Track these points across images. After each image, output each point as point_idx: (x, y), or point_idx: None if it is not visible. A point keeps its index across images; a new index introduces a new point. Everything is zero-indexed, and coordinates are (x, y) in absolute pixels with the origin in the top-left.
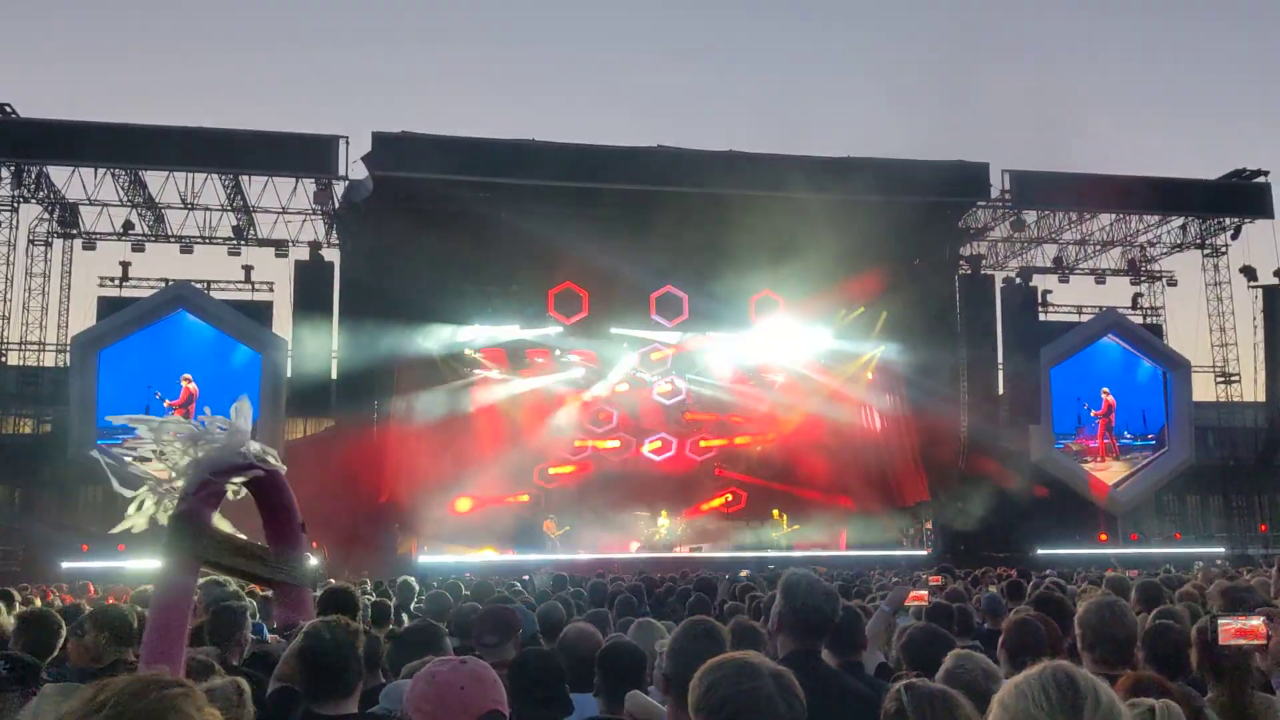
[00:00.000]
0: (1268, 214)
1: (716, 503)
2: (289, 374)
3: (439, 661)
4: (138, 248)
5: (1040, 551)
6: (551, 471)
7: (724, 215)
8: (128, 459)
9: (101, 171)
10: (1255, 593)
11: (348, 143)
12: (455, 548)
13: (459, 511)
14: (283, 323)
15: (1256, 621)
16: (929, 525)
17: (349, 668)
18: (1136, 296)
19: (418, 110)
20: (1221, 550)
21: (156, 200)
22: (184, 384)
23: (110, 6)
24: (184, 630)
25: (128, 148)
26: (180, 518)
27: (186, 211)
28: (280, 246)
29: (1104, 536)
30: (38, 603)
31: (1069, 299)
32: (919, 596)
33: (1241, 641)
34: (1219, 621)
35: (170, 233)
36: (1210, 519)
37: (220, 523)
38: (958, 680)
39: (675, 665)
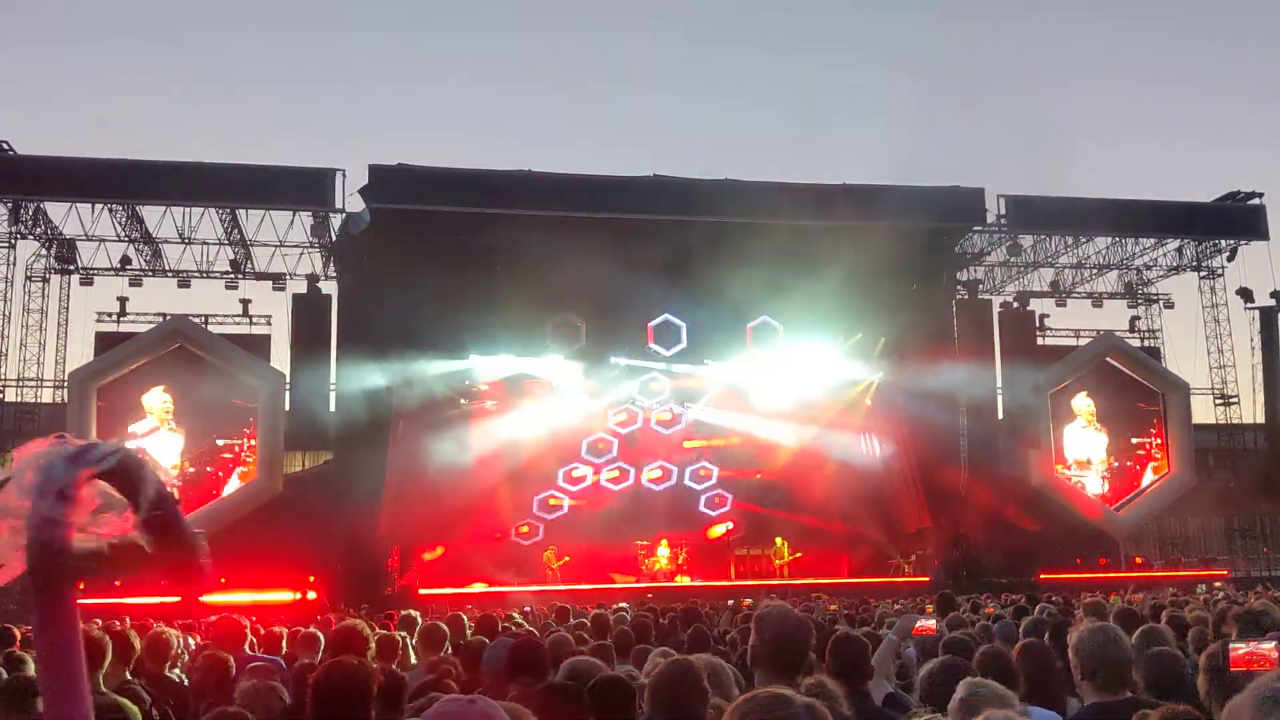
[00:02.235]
0: (1263, 235)
1: (717, 531)
2: (287, 407)
3: (448, 700)
4: (135, 282)
5: (1043, 576)
6: (551, 502)
7: (720, 243)
8: None
9: (99, 207)
10: (1270, 615)
11: (344, 175)
12: (454, 580)
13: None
14: (281, 356)
15: (1269, 646)
16: (930, 551)
17: (358, 708)
18: (1134, 319)
19: (414, 142)
20: (1225, 573)
21: (154, 235)
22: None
23: (106, 44)
24: (81, 675)
25: (125, 183)
26: (37, 547)
27: (184, 246)
28: (278, 280)
29: (1104, 560)
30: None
31: (1067, 323)
32: (927, 629)
33: (1254, 667)
34: (1229, 646)
35: (168, 267)
36: (1213, 542)
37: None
38: (974, 708)
39: (652, 702)
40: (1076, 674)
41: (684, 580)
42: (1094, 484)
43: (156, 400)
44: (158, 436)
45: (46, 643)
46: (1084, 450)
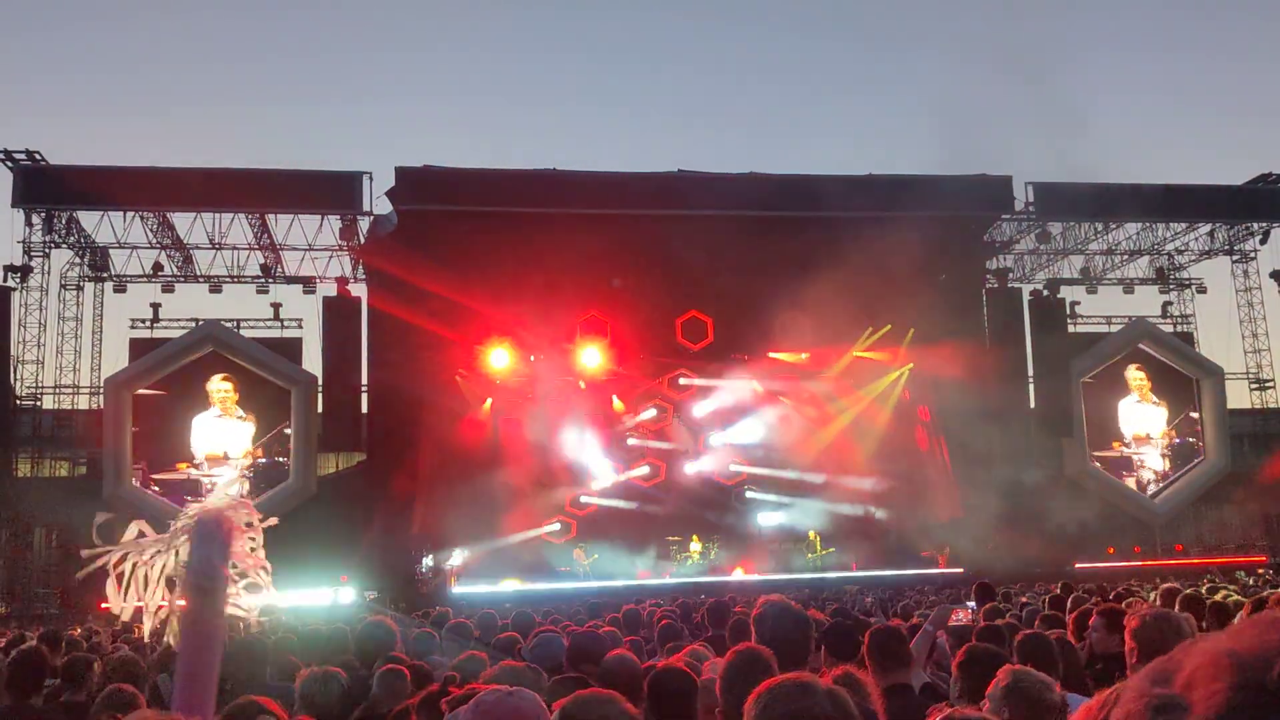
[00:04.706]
0: None
1: (766, 523)
2: (320, 409)
3: (487, 693)
4: (167, 289)
5: (1078, 566)
6: (582, 500)
7: (747, 237)
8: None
9: (130, 215)
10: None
11: (371, 179)
12: (488, 578)
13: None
14: (312, 359)
15: None
16: (965, 542)
17: None
18: (1166, 305)
19: (439, 144)
20: (1264, 559)
21: (185, 241)
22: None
23: (134, 53)
24: (213, 678)
25: (155, 190)
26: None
27: (214, 251)
28: (308, 283)
29: (1138, 549)
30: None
31: (1098, 309)
32: (963, 619)
33: None
34: None
35: (199, 273)
36: (1250, 528)
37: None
38: (1018, 694)
39: (727, 694)
40: (1131, 659)
41: (740, 573)
42: (1154, 460)
43: (217, 387)
44: (224, 423)
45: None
46: (1142, 425)
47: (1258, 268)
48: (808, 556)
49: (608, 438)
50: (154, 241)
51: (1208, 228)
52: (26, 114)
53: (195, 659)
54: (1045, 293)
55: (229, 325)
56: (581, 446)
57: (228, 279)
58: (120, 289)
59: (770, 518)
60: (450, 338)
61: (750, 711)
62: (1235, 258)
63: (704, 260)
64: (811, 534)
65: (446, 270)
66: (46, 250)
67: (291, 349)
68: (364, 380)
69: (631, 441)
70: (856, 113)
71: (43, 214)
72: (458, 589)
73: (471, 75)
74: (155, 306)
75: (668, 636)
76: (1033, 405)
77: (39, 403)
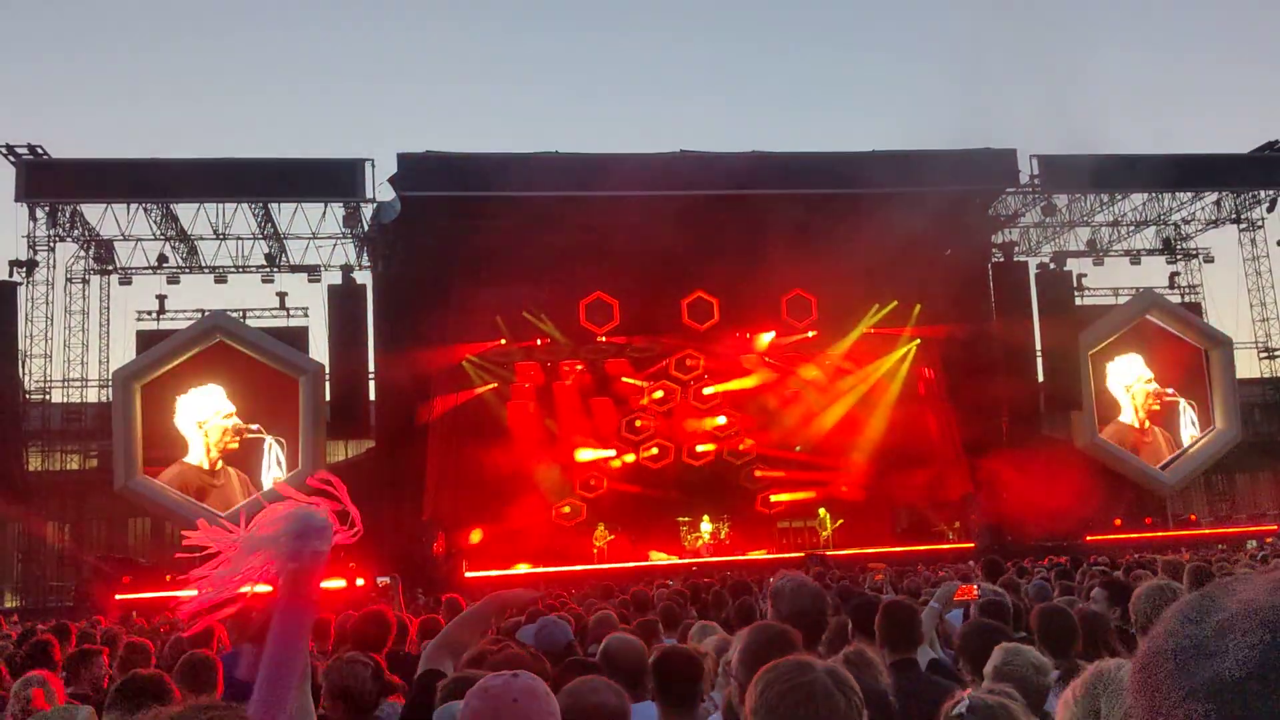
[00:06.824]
0: None
1: (781, 498)
2: (328, 397)
3: (491, 676)
4: (173, 280)
5: (1089, 539)
6: (591, 482)
7: (751, 216)
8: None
9: (134, 207)
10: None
11: (373, 165)
12: (498, 563)
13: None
14: (319, 347)
15: None
16: (974, 517)
17: None
18: (1173, 275)
19: (440, 129)
20: (1275, 528)
21: (189, 232)
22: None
23: (133, 44)
24: (293, 679)
25: (158, 182)
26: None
27: (219, 242)
28: (313, 272)
29: (1149, 520)
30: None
31: (1105, 281)
32: (968, 591)
33: None
34: None
35: (204, 264)
36: (1260, 496)
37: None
38: (1008, 676)
39: (746, 672)
40: (1137, 631)
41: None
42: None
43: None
44: None
45: (273, 653)
46: None
47: (1265, 236)
48: (820, 534)
49: (617, 419)
50: (158, 233)
51: (1214, 197)
52: (28, 108)
53: (284, 653)
54: (1052, 266)
55: (235, 315)
56: (590, 429)
57: (232, 269)
58: (126, 281)
59: (780, 496)
60: (456, 322)
61: (750, 694)
62: (1242, 226)
63: (708, 240)
64: (821, 511)
65: (450, 255)
66: (51, 244)
67: (298, 337)
68: (371, 367)
69: (640, 423)
70: (859, 89)
71: (46, 208)
72: (469, 574)
73: (471, 60)
74: (161, 298)
75: (670, 618)
76: (1041, 378)
77: (48, 396)
